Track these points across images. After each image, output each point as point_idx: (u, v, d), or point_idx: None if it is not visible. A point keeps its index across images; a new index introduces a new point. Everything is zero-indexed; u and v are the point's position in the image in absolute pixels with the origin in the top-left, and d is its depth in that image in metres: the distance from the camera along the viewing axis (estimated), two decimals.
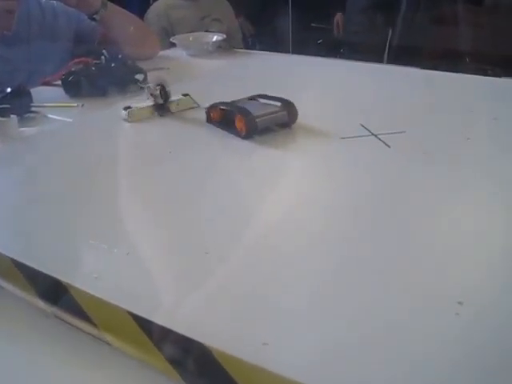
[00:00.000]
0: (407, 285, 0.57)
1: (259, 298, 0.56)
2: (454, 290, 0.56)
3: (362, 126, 0.93)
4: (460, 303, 0.53)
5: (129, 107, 1.03)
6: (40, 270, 0.59)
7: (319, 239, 0.66)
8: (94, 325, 0.57)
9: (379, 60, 1.94)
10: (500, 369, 0.46)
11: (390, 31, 2.19)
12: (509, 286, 0.56)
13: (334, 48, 2.21)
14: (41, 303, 0.60)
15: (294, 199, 0.76)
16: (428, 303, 0.54)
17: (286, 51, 1.77)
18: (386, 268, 0.59)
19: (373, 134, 0.91)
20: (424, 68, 1.37)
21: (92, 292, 0.56)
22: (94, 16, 1.41)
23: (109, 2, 1.43)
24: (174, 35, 1.91)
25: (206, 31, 1.94)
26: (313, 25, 2.25)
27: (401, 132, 0.92)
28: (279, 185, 0.80)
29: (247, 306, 0.55)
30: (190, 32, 1.79)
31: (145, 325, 0.53)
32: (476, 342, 0.49)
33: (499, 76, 1.31)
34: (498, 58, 1.62)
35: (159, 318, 0.52)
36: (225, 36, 1.64)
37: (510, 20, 1.85)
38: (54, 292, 0.59)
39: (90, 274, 0.59)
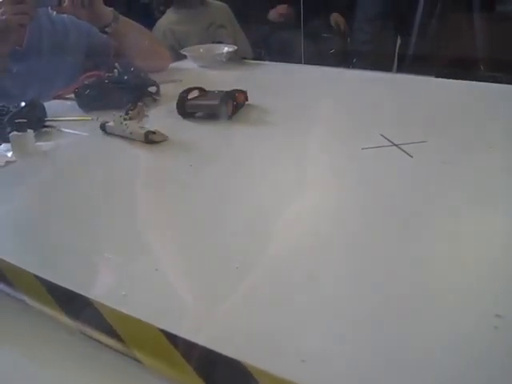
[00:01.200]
0: (442, 299, 0.56)
1: (292, 310, 0.55)
2: (491, 302, 0.54)
3: (383, 136, 0.93)
4: (498, 316, 0.51)
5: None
6: (66, 287, 0.59)
7: (346, 251, 0.65)
8: (123, 342, 0.56)
9: (389, 69, 1.93)
10: None
11: (399, 40, 2.19)
12: None
13: (345, 57, 2.21)
14: (67, 320, 0.59)
15: (320, 210, 0.75)
16: (465, 317, 0.53)
17: (298, 61, 1.76)
18: (417, 281, 0.58)
19: (394, 144, 0.90)
20: (437, 76, 1.36)
21: (121, 309, 0.55)
22: (106, 29, 1.41)
23: (120, 15, 1.43)
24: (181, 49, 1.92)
25: (214, 40, 1.94)
26: (324, 35, 2.25)
27: (422, 142, 0.91)
28: (304, 197, 0.79)
29: (281, 320, 0.54)
30: (198, 43, 1.79)
31: (176, 341, 0.52)
32: None
33: None
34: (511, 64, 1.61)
35: (190, 334, 0.51)
36: (236, 47, 1.64)
37: None
38: (81, 309, 0.58)
39: (118, 291, 0.58)
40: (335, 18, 2.30)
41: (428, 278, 0.59)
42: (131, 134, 1.01)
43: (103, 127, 1.06)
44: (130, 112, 1.06)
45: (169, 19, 2.13)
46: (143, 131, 1.00)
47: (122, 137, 1.02)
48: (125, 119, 1.03)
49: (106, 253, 0.67)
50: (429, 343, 0.49)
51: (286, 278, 0.60)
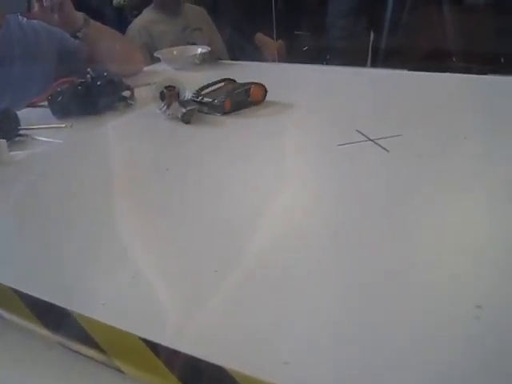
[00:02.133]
0: (421, 291, 0.56)
1: (272, 315, 0.54)
2: (471, 293, 0.55)
3: (358, 132, 0.93)
4: (479, 307, 0.52)
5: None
6: (43, 299, 0.58)
7: (325, 247, 0.65)
8: (104, 352, 0.55)
9: (363, 64, 1.94)
10: None
11: (372, 34, 2.20)
12: None
13: (318, 54, 2.21)
14: (46, 332, 0.59)
15: (296, 208, 0.75)
16: (446, 307, 0.53)
17: (272, 60, 1.76)
18: (396, 274, 0.59)
19: (370, 139, 0.90)
20: (411, 70, 1.37)
21: (100, 319, 0.54)
22: (77, 34, 1.39)
23: (91, 20, 1.42)
24: (156, 50, 1.90)
25: (188, 42, 1.94)
26: (296, 32, 2.25)
27: (397, 135, 0.91)
28: (278, 195, 0.79)
29: (261, 324, 0.53)
30: (172, 45, 1.78)
31: (157, 349, 0.51)
32: (497, 345, 0.48)
33: (485, 73, 1.32)
34: (483, 55, 1.63)
35: (171, 341, 0.51)
36: (209, 48, 1.63)
37: (492, 18, 1.86)
38: (60, 321, 0.57)
39: (96, 301, 0.57)
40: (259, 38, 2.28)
41: (407, 270, 0.59)
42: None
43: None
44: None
45: (145, 18, 2.13)
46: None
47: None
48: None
49: (82, 262, 0.66)
50: (409, 335, 0.50)
51: (264, 279, 0.60)
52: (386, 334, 0.51)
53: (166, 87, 1.13)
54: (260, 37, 2.21)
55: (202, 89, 1.18)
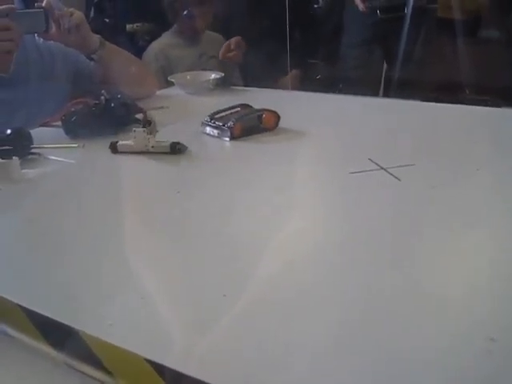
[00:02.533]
0: (433, 323, 0.55)
1: (281, 341, 0.54)
2: (484, 325, 0.54)
3: (370, 160, 0.92)
4: (492, 339, 0.51)
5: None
6: (51, 317, 0.57)
7: (334, 275, 0.64)
8: (109, 373, 0.54)
9: (375, 94, 1.95)
10: None
11: (385, 64, 2.21)
12: None
13: (331, 83, 2.22)
14: (52, 351, 0.58)
15: (307, 235, 0.75)
16: (458, 340, 0.52)
17: (285, 88, 1.77)
18: (408, 305, 0.58)
19: (382, 168, 0.90)
20: (423, 100, 1.37)
21: (107, 339, 0.53)
22: (93, 56, 1.41)
23: (107, 42, 1.43)
24: (172, 74, 1.92)
25: (203, 69, 1.95)
26: (310, 61, 2.27)
27: (410, 165, 0.91)
28: (291, 221, 0.79)
29: (269, 350, 0.52)
30: (188, 70, 1.80)
31: (164, 372, 0.50)
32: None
33: (499, 106, 1.32)
34: (497, 88, 1.63)
35: (178, 365, 0.50)
36: (223, 74, 1.64)
37: (506, 51, 1.87)
38: (66, 339, 0.57)
39: (104, 321, 0.56)
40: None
41: (419, 302, 0.58)
42: (153, 147, 1.04)
43: (114, 147, 1.07)
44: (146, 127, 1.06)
45: (163, 42, 2.15)
46: (168, 143, 1.04)
47: (136, 153, 1.03)
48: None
49: (92, 282, 0.65)
50: (420, 369, 0.49)
51: (273, 305, 0.59)
52: (397, 366, 0.50)
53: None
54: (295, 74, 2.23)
55: (217, 113, 1.18)
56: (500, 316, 0.56)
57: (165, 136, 1.07)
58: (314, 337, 0.54)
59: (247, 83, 1.99)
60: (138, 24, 2.43)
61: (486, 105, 1.31)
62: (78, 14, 1.35)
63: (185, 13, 2.07)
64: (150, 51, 2.12)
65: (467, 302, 0.58)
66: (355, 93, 1.51)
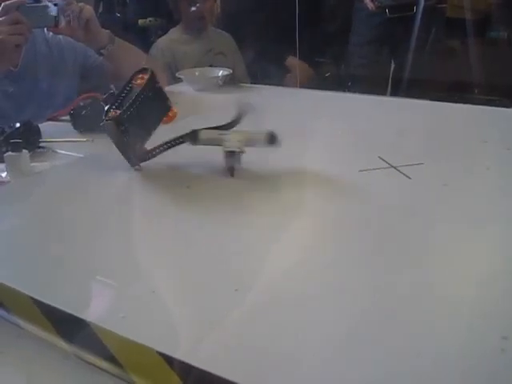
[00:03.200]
0: (447, 322, 0.55)
1: (289, 336, 0.54)
2: (497, 324, 0.54)
3: (381, 159, 0.92)
4: (505, 338, 0.51)
5: None
6: (62, 308, 0.57)
7: (342, 272, 0.64)
8: (120, 366, 0.54)
9: (383, 93, 1.95)
10: None
11: (393, 63, 2.21)
12: None
13: (340, 81, 2.22)
14: (62, 343, 0.58)
15: (317, 232, 0.75)
16: (471, 339, 0.52)
17: (293, 85, 1.77)
18: (420, 306, 0.58)
19: (392, 166, 0.90)
20: (432, 100, 1.37)
21: (119, 332, 0.53)
22: (102, 51, 1.40)
23: (116, 38, 1.43)
24: (177, 70, 1.92)
25: (211, 65, 1.95)
26: (318, 59, 2.27)
27: (419, 164, 0.91)
28: (300, 219, 0.79)
29: (280, 342, 0.52)
30: (194, 66, 1.80)
31: (175, 365, 0.50)
32: None
33: (507, 106, 1.31)
34: (506, 88, 1.63)
35: (189, 357, 0.50)
36: (231, 71, 1.64)
37: None
38: (77, 332, 0.57)
39: (116, 314, 0.56)
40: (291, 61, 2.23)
41: (431, 302, 0.58)
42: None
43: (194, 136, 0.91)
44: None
45: (170, 38, 2.15)
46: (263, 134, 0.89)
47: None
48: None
49: (103, 275, 0.65)
50: (433, 368, 0.48)
51: (280, 304, 0.59)
52: (407, 362, 0.50)
53: None
54: (292, 60, 2.23)
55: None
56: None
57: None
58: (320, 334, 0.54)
59: (255, 80, 1.99)
60: (151, 19, 2.43)
61: (494, 105, 1.30)
62: (88, 9, 1.35)
63: (192, 9, 2.07)
64: (157, 47, 2.12)
65: (479, 301, 0.58)
66: (363, 91, 1.51)
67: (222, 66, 1.76)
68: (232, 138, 0.87)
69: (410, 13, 2.07)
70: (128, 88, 0.97)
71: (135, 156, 0.96)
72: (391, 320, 0.55)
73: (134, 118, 0.93)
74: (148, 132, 0.98)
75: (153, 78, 0.98)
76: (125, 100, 0.95)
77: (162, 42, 2.14)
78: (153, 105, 0.98)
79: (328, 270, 0.65)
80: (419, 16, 2.05)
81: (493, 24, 2.19)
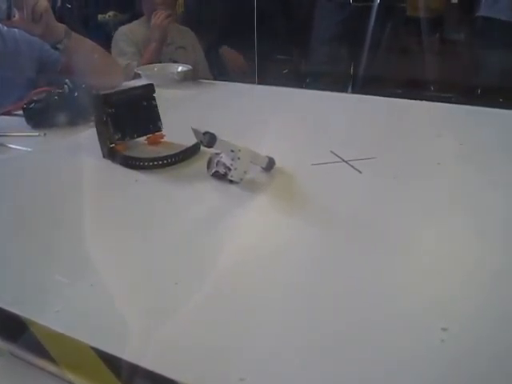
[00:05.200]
0: (388, 312, 0.55)
1: (233, 330, 0.53)
2: (437, 315, 0.54)
3: (333, 153, 0.92)
4: (444, 329, 0.51)
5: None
6: None
7: (294, 267, 0.64)
8: (55, 362, 0.53)
9: (342, 89, 1.96)
10: None
11: (353, 62, 2.22)
12: (493, 308, 0.55)
13: (298, 78, 2.23)
14: None
15: (268, 227, 0.74)
16: (411, 330, 0.52)
17: (252, 82, 1.77)
18: (365, 294, 0.58)
19: (343, 161, 0.90)
20: (388, 96, 1.38)
21: (53, 327, 0.52)
22: (58, 45, 1.38)
23: (72, 32, 1.40)
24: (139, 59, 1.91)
25: (170, 59, 1.95)
26: (278, 56, 2.27)
27: (371, 158, 0.91)
28: (252, 213, 0.78)
29: (219, 340, 0.52)
30: None
31: (111, 361, 0.49)
32: (463, 368, 0.47)
33: (462, 103, 1.33)
34: (461, 86, 1.65)
35: (126, 354, 0.49)
36: (190, 67, 1.63)
37: (469, 50, 1.90)
38: (11, 328, 0.55)
39: (51, 308, 0.55)
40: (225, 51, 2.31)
41: (374, 292, 0.58)
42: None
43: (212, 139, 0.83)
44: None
45: (132, 27, 2.17)
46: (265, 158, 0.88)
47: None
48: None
49: (40, 268, 0.64)
50: (373, 358, 0.48)
51: (227, 296, 0.59)
52: (344, 352, 0.49)
53: None
54: (225, 50, 2.24)
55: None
56: (453, 305, 0.56)
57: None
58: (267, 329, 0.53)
59: (215, 76, 1.99)
60: (110, 14, 2.41)
61: (450, 101, 1.31)
62: (43, 2, 1.32)
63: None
64: (120, 33, 2.12)
65: (424, 292, 0.58)
66: (322, 88, 1.51)
67: (181, 60, 1.75)
68: (239, 167, 0.84)
69: (371, 3, 2.06)
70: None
71: (106, 146, 0.96)
72: (333, 307, 0.55)
73: (121, 109, 0.97)
74: (130, 134, 1.00)
75: (151, 91, 1.03)
76: (121, 93, 1.01)
77: (124, 28, 2.15)
78: (143, 113, 1.02)
79: (275, 261, 0.64)
80: (378, 9, 2.05)
81: (448, 24, 2.22)
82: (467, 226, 0.73)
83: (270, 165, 0.88)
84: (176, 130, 1.00)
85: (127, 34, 2.10)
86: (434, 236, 0.70)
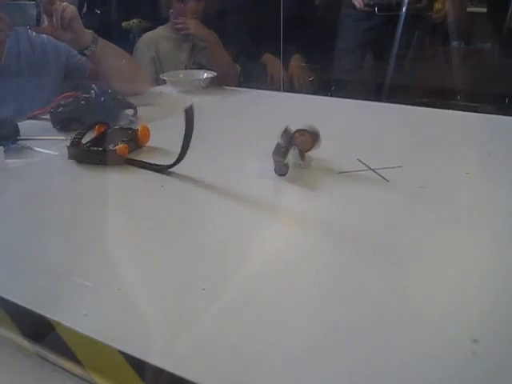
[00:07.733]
0: (418, 325, 0.54)
1: (259, 339, 0.52)
2: (468, 327, 0.53)
3: (359, 161, 0.92)
4: (475, 341, 0.50)
5: None
6: (24, 305, 0.56)
7: (319, 274, 0.63)
8: (81, 365, 0.53)
9: (368, 98, 1.95)
10: None
11: (379, 70, 2.20)
12: None
13: (324, 86, 2.22)
14: (23, 342, 0.57)
15: (295, 234, 0.74)
16: (442, 343, 0.51)
17: (277, 89, 1.77)
18: (393, 308, 0.57)
19: (370, 169, 0.89)
20: (415, 105, 1.37)
21: (80, 330, 0.52)
22: (85, 51, 1.39)
23: (100, 38, 1.42)
24: (162, 66, 1.91)
25: (195, 62, 1.96)
26: (303, 64, 2.27)
27: (398, 167, 0.90)
28: (279, 219, 0.78)
29: (246, 347, 0.51)
30: (180, 63, 1.79)
31: (138, 365, 0.49)
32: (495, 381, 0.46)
33: (489, 113, 1.32)
34: (488, 96, 1.64)
35: (153, 358, 0.49)
36: (215, 73, 1.64)
37: (497, 60, 1.87)
38: (39, 330, 0.55)
39: (78, 311, 0.55)
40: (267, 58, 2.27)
41: (404, 304, 0.57)
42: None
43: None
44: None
45: (156, 33, 2.16)
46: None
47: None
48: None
49: (70, 273, 0.64)
50: (405, 371, 0.47)
51: (251, 304, 0.58)
52: (376, 364, 0.49)
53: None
54: (268, 57, 2.24)
55: None
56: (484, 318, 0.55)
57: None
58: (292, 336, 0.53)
59: (240, 83, 1.99)
60: (134, 21, 2.42)
61: (476, 111, 1.30)
62: (71, 9, 1.34)
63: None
64: (142, 42, 2.13)
65: (453, 304, 0.57)
66: (347, 96, 1.51)
67: (206, 61, 1.75)
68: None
69: (397, 12, 2.04)
70: None
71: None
72: (361, 322, 0.54)
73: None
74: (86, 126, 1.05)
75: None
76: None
77: (147, 36, 2.15)
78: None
79: (301, 269, 0.64)
80: (405, 18, 2.03)
81: (476, 33, 2.20)
82: (497, 238, 0.71)
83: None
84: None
85: (148, 46, 2.10)
86: (463, 247, 0.69)
